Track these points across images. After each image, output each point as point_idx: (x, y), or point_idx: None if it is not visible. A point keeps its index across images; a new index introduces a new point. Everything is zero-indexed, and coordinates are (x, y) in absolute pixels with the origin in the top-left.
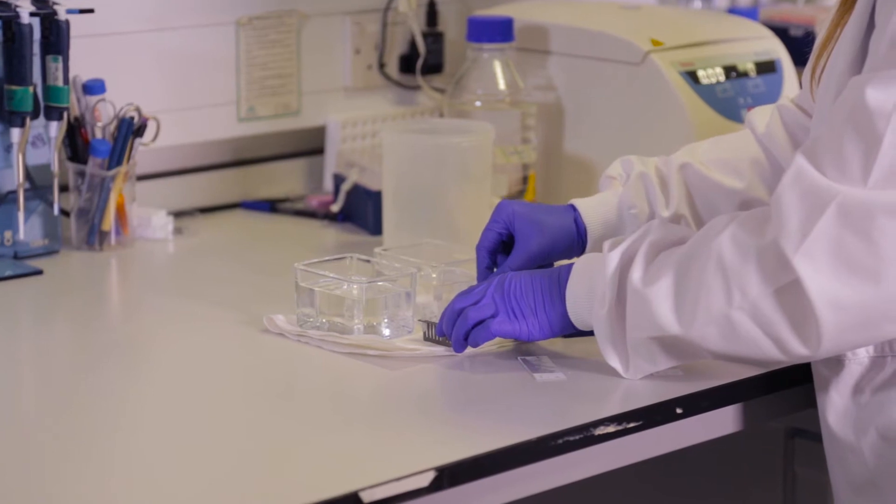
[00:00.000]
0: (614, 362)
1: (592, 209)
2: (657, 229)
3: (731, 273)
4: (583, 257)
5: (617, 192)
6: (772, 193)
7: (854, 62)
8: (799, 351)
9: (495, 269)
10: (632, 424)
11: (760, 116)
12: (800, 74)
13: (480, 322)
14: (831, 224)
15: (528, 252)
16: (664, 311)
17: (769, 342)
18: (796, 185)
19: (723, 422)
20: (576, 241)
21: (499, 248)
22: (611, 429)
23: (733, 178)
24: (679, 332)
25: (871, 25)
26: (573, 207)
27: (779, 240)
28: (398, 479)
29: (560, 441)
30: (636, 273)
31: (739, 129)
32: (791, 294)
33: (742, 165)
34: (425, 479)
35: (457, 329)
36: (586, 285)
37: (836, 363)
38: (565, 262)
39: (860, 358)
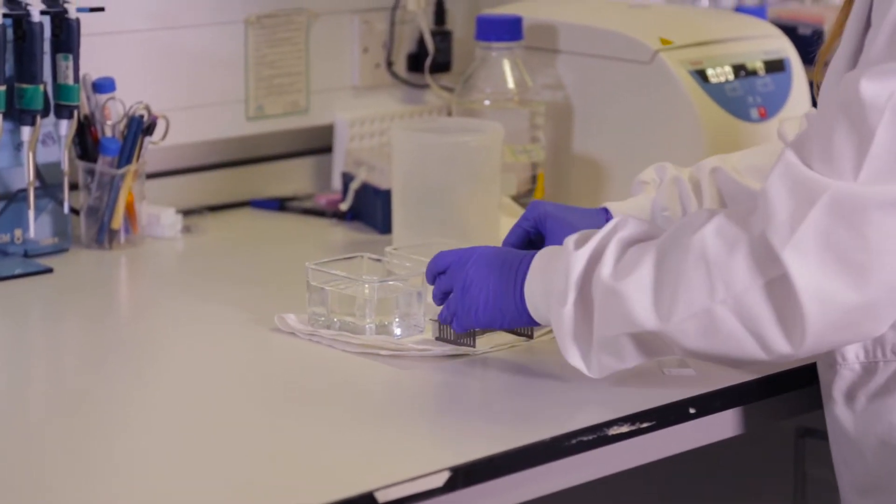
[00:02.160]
0: (576, 361)
1: (626, 212)
2: (627, 226)
3: (715, 266)
4: (543, 251)
5: (650, 196)
6: None
7: (850, 61)
8: (781, 349)
9: None
10: (645, 424)
11: (790, 126)
12: (808, 73)
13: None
14: (822, 217)
15: None
16: (640, 305)
17: (751, 339)
18: (785, 178)
19: (736, 422)
20: None
21: (525, 247)
22: (624, 429)
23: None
24: (656, 326)
25: (868, 24)
26: (605, 210)
27: (766, 233)
28: (413, 480)
29: (574, 441)
30: (606, 269)
31: (748, 128)
32: (778, 289)
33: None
34: (440, 479)
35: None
36: (544, 282)
37: (829, 368)
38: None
39: (850, 364)
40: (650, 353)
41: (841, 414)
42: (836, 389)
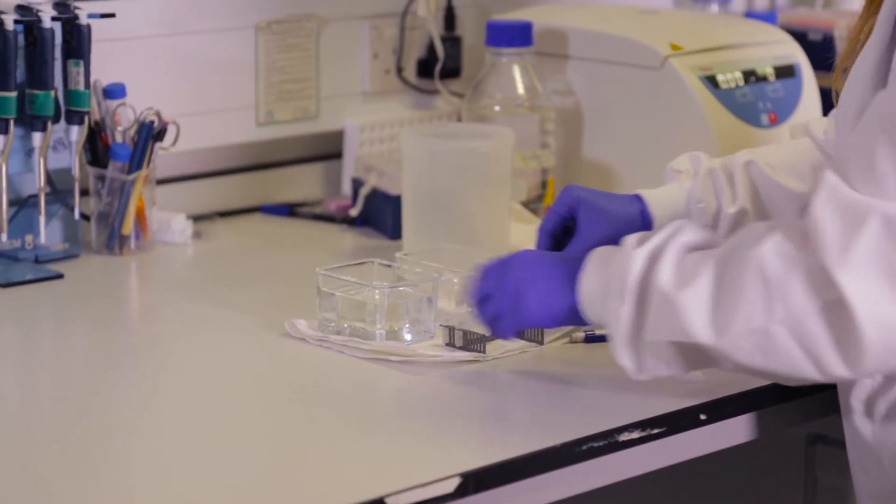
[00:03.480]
0: (626, 362)
1: (660, 201)
2: (687, 230)
3: (774, 285)
4: (599, 249)
5: (684, 185)
6: None
7: (876, 73)
8: (837, 371)
9: None
10: (656, 431)
11: (818, 124)
12: (819, 79)
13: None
14: (874, 240)
15: (591, 241)
16: (696, 318)
17: (807, 360)
18: (830, 202)
19: (746, 428)
20: (642, 229)
21: (560, 233)
22: (635, 435)
23: (796, 181)
24: (710, 341)
25: (894, 36)
26: (639, 198)
27: (821, 257)
28: (423, 485)
29: (584, 447)
30: (664, 275)
31: (758, 133)
32: (835, 311)
33: (803, 168)
34: (451, 485)
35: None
36: (602, 280)
37: None
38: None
39: None
40: (698, 363)
41: (860, 422)
42: (855, 398)
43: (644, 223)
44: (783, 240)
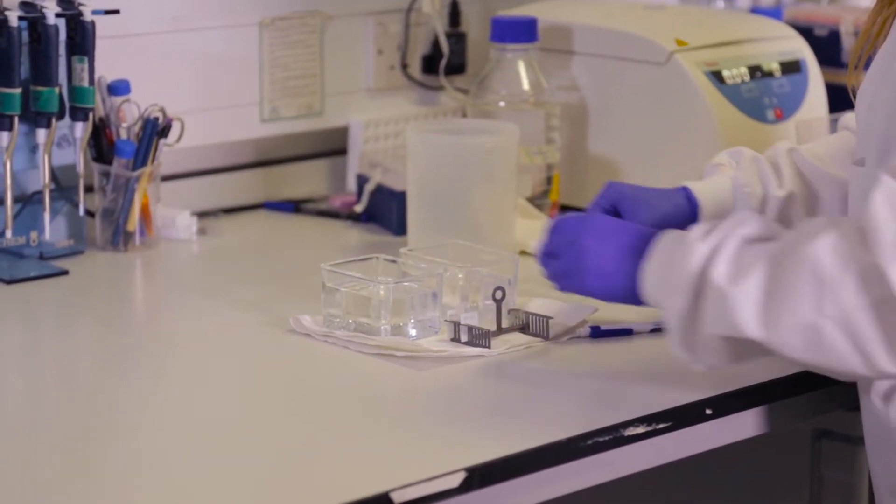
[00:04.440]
0: (681, 353)
1: (706, 190)
2: (749, 222)
3: (827, 281)
4: (667, 235)
5: (728, 174)
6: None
7: None
8: (886, 367)
9: None
10: (661, 425)
11: (850, 121)
12: (824, 74)
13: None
14: None
15: None
16: (746, 314)
17: (857, 356)
18: (887, 201)
19: (752, 423)
20: (689, 219)
21: None
22: (640, 430)
23: (839, 170)
24: (759, 336)
25: None
26: (684, 188)
27: (875, 254)
28: (429, 480)
29: (590, 442)
30: (720, 268)
31: (764, 129)
32: (886, 309)
33: (846, 159)
34: (456, 480)
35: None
36: (665, 269)
37: None
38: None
39: None
40: (752, 356)
41: (879, 415)
42: (874, 391)
43: (692, 210)
44: (839, 237)
